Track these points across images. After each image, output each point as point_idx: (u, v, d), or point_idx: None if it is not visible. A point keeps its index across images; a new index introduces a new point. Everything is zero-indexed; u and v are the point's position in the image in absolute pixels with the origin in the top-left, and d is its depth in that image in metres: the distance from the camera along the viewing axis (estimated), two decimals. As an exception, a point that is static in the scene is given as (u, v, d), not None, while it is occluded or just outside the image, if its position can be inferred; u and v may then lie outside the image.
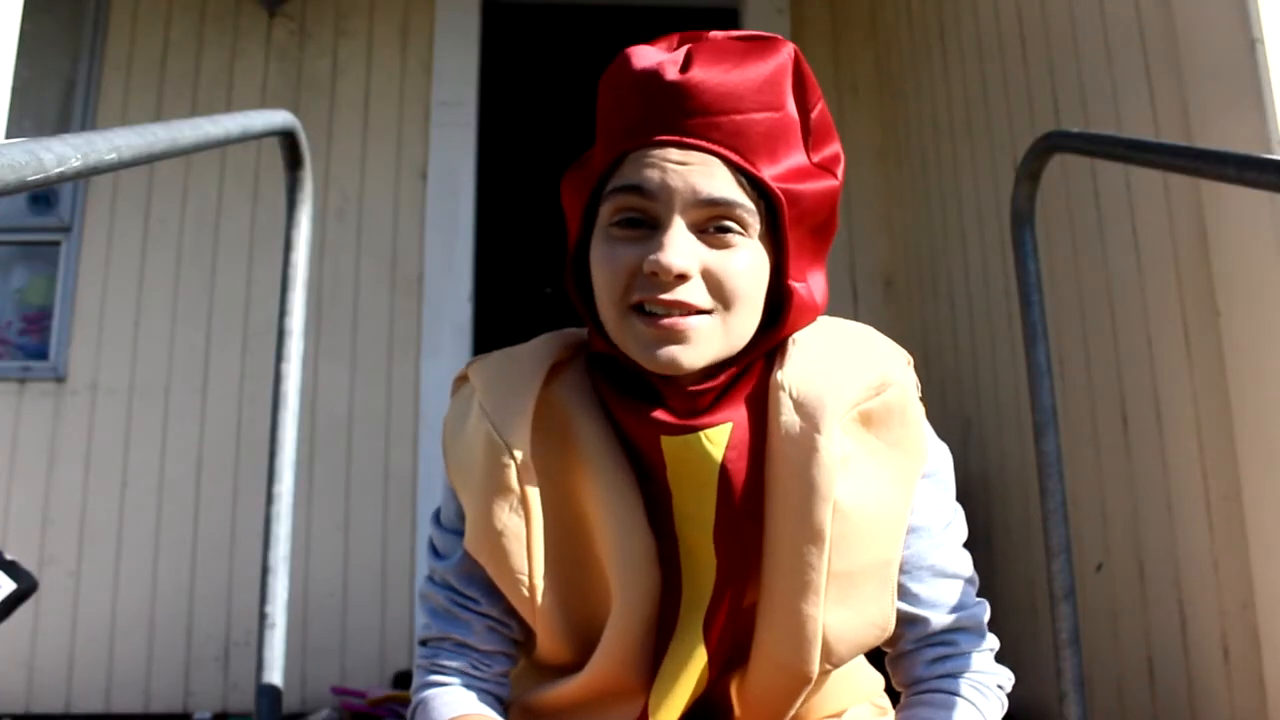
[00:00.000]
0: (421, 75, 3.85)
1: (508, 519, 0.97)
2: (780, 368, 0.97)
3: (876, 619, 0.97)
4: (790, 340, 0.99)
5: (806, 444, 0.93)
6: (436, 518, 1.08)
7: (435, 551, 1.06)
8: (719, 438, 0.95)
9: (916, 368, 1.07)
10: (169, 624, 3.35)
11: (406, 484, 3.49)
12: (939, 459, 1.05)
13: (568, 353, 1.04)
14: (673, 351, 0.91)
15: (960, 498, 1.08)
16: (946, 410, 3.21)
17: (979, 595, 1.05)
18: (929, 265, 3.43)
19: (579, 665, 1.00)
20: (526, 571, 0.98)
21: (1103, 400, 2.36)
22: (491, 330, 3.72)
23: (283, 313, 1.73)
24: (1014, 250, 2.04)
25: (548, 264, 3.90)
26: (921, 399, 1.03)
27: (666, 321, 0.90)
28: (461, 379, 1.05)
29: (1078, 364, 2.46)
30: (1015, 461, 2.75)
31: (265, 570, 1.63)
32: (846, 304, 3.69)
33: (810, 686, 0.98)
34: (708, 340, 0.92)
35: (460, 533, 1.04)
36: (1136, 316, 2.22)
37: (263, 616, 1.60)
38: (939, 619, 1.00)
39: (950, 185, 3.25)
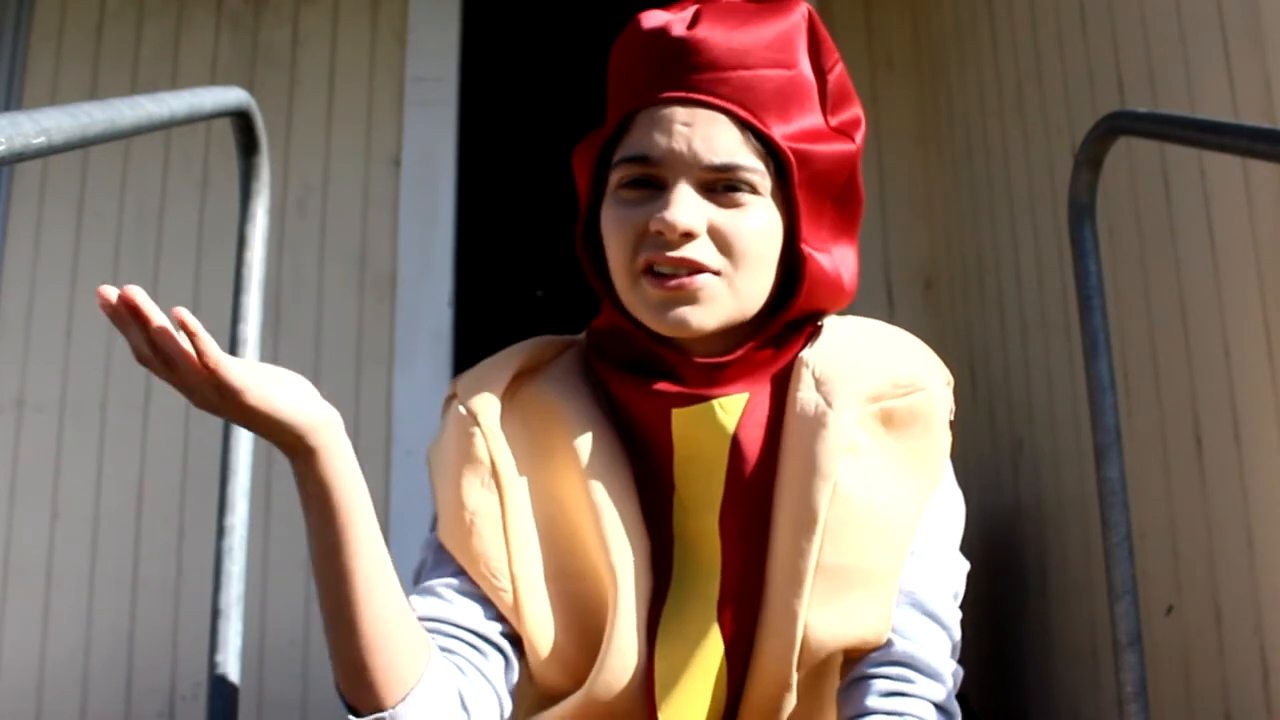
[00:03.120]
0: (394, 47, 3.86)
1: (479, 496, 1.04)
2: (809, 346, 1.06)
3: (866, 633, 1.01)
4: (827, 324, 1.08)
5: (817, 420, 1.00)
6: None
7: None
8: (733, 407, 1.02)
9: (960, 381, 1.10)
10: (105, 675, 3.35)
11: (378, 513, 3.47)
12: (953, 499, 1.09)
13: (553, 350, 1.13)
14: (682, 312, 1.00)
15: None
16: (995, 431, 3.21)
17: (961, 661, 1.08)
18: (974, 265, 3.43)
19: (576, 688, 1.03)
20: (505, 560, 1.02)
21: (1173, 419, 2.35)
22: (475, 339, 3.71)
23: (236, 319, 1.74)
24: (1072, 248, 2.05)
25: (539, 263, 3.90)
26: (952, 424, 1.07)
27: (674, 282, 0.99)
28: (450, 397, 1.12)
29: (1145, 378, 2.46)
30: (1073, 490, 2.75)
31: (216, 614, 1.63)
32: (880, 307, 3.69)
33: (791, 695, 1.00)
34: (717, 301, 1.00)
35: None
36: (1212, 323, 2.22)
37: (213, 666, 1.60)
38: (903, 645, 1.02)
39: (999, 173, 3.25)
